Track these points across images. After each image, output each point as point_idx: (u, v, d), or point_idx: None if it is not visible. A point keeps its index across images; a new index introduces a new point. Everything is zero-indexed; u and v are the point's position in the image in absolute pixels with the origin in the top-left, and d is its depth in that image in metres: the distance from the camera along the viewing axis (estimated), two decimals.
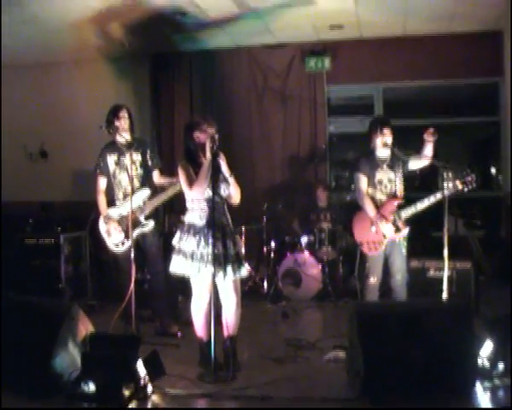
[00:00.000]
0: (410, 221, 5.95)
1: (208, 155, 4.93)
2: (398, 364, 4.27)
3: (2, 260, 7.99)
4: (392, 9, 8.10)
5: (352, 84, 9.88)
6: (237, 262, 5.09)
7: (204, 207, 5.05)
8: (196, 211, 5.08)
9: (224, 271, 4.99)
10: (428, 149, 5.84)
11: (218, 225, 5.00)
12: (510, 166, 8.81)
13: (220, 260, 4.95)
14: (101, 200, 6.47)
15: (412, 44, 9.34)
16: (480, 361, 4.43)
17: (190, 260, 5.00)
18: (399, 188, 6.03)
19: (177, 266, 5.08)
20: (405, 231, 5.92)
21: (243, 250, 5.33)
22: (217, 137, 5.02)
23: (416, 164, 6.01)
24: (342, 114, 10.08)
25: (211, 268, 4.89)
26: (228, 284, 5.09)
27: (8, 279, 7.51)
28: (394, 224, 5.89)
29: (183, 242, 5.07)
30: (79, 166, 9.64)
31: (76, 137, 9.89)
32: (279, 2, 7.74)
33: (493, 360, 4.44)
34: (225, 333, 5.17)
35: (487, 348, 4.47)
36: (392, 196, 6.01)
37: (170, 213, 8.93)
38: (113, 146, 6.44)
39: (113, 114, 6.36)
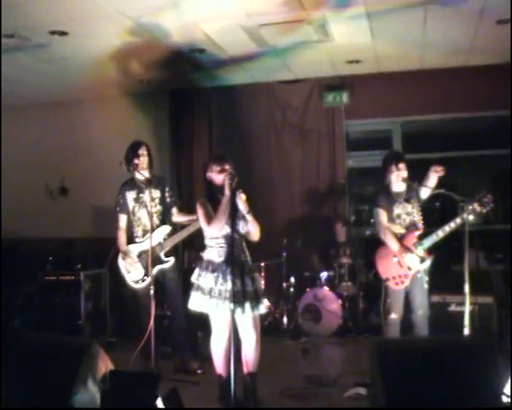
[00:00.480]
0: (430, 254, 5.92)
1: (227, 191, 4.94)
2: (421, 401, 4.21)
3: (24, 297, 8.02)
4: (409, 43, 8.13)
5: (370, 118, 9.89)
6: (256, 299, 5.07)
7: (222, 244, 5.06)
8: (215, 248, 5.08)
9: (243, 307, 4.97)
10: (433, 181, 5.89)
11: (236, 262, 5.00)
12: None
13: (238, 297, 4.94)
14: (121, 236, 6.50)
15: (430, 78, 9.35)
16: (503, 399, 4.36)
17: (208, 296, 5.00)
18: (418, 219, 6.02)
19: (196, 302, 5.09)
20: (429, 260, 5.88)
21: (262, 287, 5.31)
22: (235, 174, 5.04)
23: (423, 193, 6.02)
24: (361, 149, 10.09)
25: (229, 305, 4.87)
26: (247, 321, 5.07)
27: (29, 317, 7.53)
28: (418, 255, 5.86)
29: (201, 278, 5.08)
30: (99, 203, 9.69)
31: (96, 173, 9.96)
32: (297, 39, 7.80)
33: None
34: (245, 370, 5.14)
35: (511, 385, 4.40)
36: (413, 227, 5.99)
37: (189, 249, 8.94)
38: (132, 183, 6.48)
39: (132, 151, 6.40)
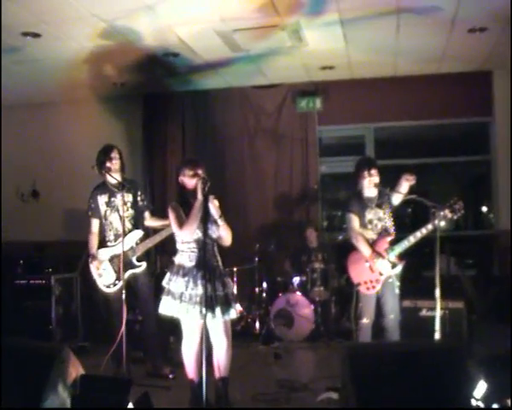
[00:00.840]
0: (402, 259, 5.95)
1: (199, 196, 4.92)
2: (392, 405, 4.23)
3: None
4: (383, 50, 8.19)
5: (343, 124, 9.95)
6: (226, 304, 5.05)
7: (193, 249, 5.04)
8: (186, 252, 5.07)
9: (213, 312, 4.95)
10: (404, 188, 5.94)
11: (207, 267, 4.97)
12: (511, 204, 8.79)
13: (209, 302, 4.92)
14: (92, 240, 6.45)
15: (403, 85, 9.43)
16: (474, 402, 4.40)
17: (179, 301, 4.99)
18: (390, 224, 6.05)
19: (167, 307, 5.07)
20: (401, 265, 5.91)
21: (234, 291, 5.30)
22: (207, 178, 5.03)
23: (395, 199, 6.06)
24: (334, 154, 10.13)
25: (199, 309, 4.86)
26: (217, 326, 5.06)
27: None
28: (389, 260, 5.88)
29: (172, 283, 5.06)
30: (71, 206, 9.62)
31: (68, 176, 9.90)
32: (271, 44, 7.82)
33: (488, 400, 4.40)
34: (217, 374, 5.12)
35: (481, 389, 4.44)
36: (384, 233, 6.02)
37: (161, 254, 8.90)
38: (103, 187, 6.43)
39: (104, 154, 6.36)
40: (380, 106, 9.58)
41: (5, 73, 8.43)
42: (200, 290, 4.90)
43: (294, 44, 7.82)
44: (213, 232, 5.07)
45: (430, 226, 5.63)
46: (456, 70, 9.11)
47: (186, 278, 4.99)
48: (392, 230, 6.03)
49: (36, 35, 7.19)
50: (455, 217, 5.66)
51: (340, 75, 9.34)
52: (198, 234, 4.99)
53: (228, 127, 9.99)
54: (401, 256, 5.93)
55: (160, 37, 7.47)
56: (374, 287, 5.96)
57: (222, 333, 5.09)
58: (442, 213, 5.55)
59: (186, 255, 5.06)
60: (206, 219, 4.91)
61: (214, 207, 5.03)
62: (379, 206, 6.02)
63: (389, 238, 5.96)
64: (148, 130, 10.19)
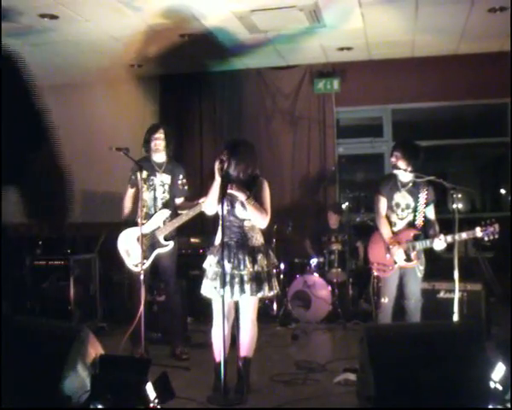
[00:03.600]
0: (419, 258, 5.90)
1: (217, 176, 4.94)
2: (409, 387, 4.23)
3: (12, 282, 7.99)
4: (401, 31, 8.14)
5: (361, 105, 9.91)
6: (255, 282, 5.04)
7: (220, 228, 5.07)
8: (218, 232, 5.10)
9: (241, 289, 4.98)
10: (437, 243, 5.70)
11: (232, 245, 5.03)
12: None
13: (234, 280, 4.96)
14: (127, 202, 6.48)
15: (421, 66, 9.37)
16: (491, 384, 4.39)
17: (209, 280, 5.04)
18: (418, 218, 5.93)
19: (203, 288, 5.12)
20: (416, 262, 5.85)
21: (267, 269, 5.19)
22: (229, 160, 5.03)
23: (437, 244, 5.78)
24: (351, 136, 10.10)
25: (224, 287, 4.90)
26: (243, 303, 5.10)
27: (17, 301, 7.51)
28: (406, 253, 5.84)
29: (206, 262, 5.13)
30: (89, 188, 9.65)
31: (86, 158, 9.91)
32: (289, 25, 7.78)
33: (505, 382, 4.39)
34: (240, 354, 5.15)
35: (499, 372, 4.43)
36: (411, 224, 5.96)
37: (179, 235, 8.93)
38: (145, 163, 6.39)
39: (149, 133, 6.38)
40: (398, 87, 9.53)
41: (23, 56, 8.44)
42: (219, 269, 4.95)
43: (312, 25, 7.78)
44: (240, 213, 5.09)
45: (457, 237, 5.50)
46: (475, 51, 9.03)
47: (211, 256, 5.06)
48: (419, 224, 5.93)
49: (53, 17, 7.21)
50: (485, 238, 5.55)
51: (358, 56, 9.30)
52: (224, 211, 5.04)
53: (245, 109, 9.98)
54: (418, 254, 5.87)
55: (177, 17, 7.45)
56: (385, 271, 5.94)
57: (247, 312, 5.13)
58: (471, 232, 5.48)
59: (218, 235, 5.11)
60: (222, 198, 4.93)
61: (239, 190, 5.04)
62: (410, 192, 5.93)
63: (414, 232, 5.89)
64: (166, 111, 10.21)
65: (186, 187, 6.54)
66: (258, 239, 5.18)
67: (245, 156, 5.18)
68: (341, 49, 8.93)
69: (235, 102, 10.01)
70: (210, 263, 5.11)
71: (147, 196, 6.34)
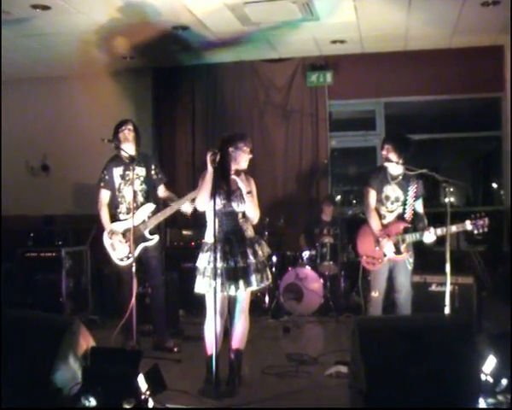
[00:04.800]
0: (408, 250, 5.90)
1: (209, 168, 4.93)
2: (401, 379, 4.24)
3: (3, 273, 7.97)
4: (394, 24, 8.13)
5: (353, 98, 9.90)
6: (247, 276, 5.05)
7: (210, 223, 5.05)
8: (208, 228, 5.09)
9: (236, 284, 4.99)
10: (427, 236, 5.74)
11: (231, 239, 5.04)
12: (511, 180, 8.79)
13: (231, 274, 4.96)
14: (105, 213, 6.43)
15: (414, 59, 9.37)
16: (482, 377, 4.41)
17: (202, 276, 5.03)
18: (408, 211, 5.93)
19: (196, 284, 5.11)
20: (405, 255, 5.86)
21: (261, 260, 5.20)
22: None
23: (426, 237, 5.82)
24: (344, 129, 10.10)
25: (220, 282, 4.92)
26: (241, 296, 5.13)
27: (8, 293, 7.49)
28: (396, 245, 5.85)
29: (198, 260, 5.10)
30: (81, 180, 9.65)
31: (78, 150, 9.90)
32: (282, 17, 7.76)
33: (496, 376, 4.40)
34: (232, 345, 5.15)
35: (490, 364, 4.44)
36: (400, 217, 5.97)
37: (171, 227, 8.93)
38: (118, 160, 6.40)
39: (119, 128, 6.35)
40: (390, 81, 9.53)
41: (14, 46, 8.42)
42: (218, 264, 4.94)
43: (305, 18, 7.76)
44: (237, 205, 5.08)
45: (445, 230, 5.53)
46: (468, 44, 9.03)
47: (208, 253, 5.01)
48: (409, 217, 5.93)
49: (45, 7, 7.17)
50: (474, 231, 5.59)
51: (351, 49, 9.29)
52: (218, 205, 5.01)
53: (238, 101, 9.96)
54: (408, 247, 5.88)
55: (170, 9, 7.43)
56: (374, 264, 5.96)
57: (243, 304, 5.17)
58: (461, 224, 5.51)
59: (208, 230, 5.09)
60: (214, 191, 4.93)
61: (244, 182, 5.05)
62: (400, 185, 5.93)
63: (403, 225, 5.89)
64: (158, 104, 10.18)
65: (160, 175, 6.57)
66: (252, 231, 5.22)
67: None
68: (334, 42, 8.92)
69: (228, 94, 9.98)
70: (208, 260, 5.05)
71: (125, 191, 6.34)
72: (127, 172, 6.34)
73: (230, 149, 5.14)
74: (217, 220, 5.02)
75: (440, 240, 5.64)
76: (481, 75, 9.20)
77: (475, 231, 5.57)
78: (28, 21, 7.57)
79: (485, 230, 5.55)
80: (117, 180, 6.38)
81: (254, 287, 5.11)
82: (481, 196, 11.28)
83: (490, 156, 10.42)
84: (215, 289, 4.84)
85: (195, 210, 5.47)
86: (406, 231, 5.87)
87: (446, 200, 5.46)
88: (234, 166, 5.14)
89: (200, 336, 5.33)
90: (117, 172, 6.38)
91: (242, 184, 5.07)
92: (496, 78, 9.19)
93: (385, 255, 5.87)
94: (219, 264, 4.96)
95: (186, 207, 6.18)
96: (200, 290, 5.09)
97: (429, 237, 5.69)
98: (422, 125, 9.79)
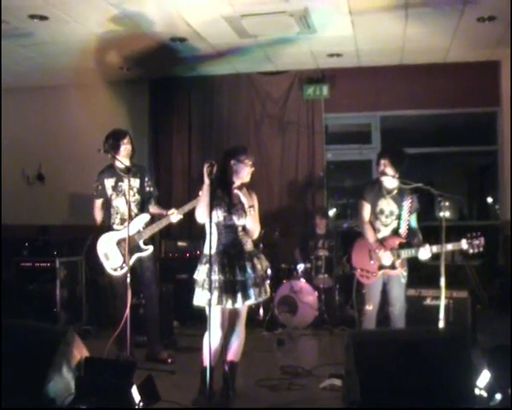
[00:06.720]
0: (403, 266, 5.91)
1: (206, 180, 4.91)
2: (395, 393, 4.24)
3: None
4: (391, 38, 8.17)
5: (349, 112, 9.93)
6: (257, 286, 5.05)
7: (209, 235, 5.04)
8: (207, 240, 5.06)
9: (234, 298, 4.96)
10: (422, 252, 5.75)
11: (231, 252, 5.03)
12: (511, 194, 8.80)
13: (229, 288, 4.94)
14: (99, 215, 6.47)
15: (410, 74, 9.41)
16: (477, 391, 4.40)
17: (201, 289, 5.00)
18: (403, 226, 5.93)
19: (195, 297, 5.08)
20: (400, 270, 5.88)
21: (259, 274, 5.18)
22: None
23: (422, 253, 5.81)
24: (340, 142, 10.12)
25: (218, 295, 4.91)
26: (241, 309, 5.12)
27: (3, 303, 7.47)
28: (392, 257, 5.85)
29: (197, 272, 5.07)
30: (77, 190, 9.64)
31: (73, 160, 9.90)
32: (279, 31, 7.79)
33: (490, 389, 4.40)
34: (227, 357, 5.12)
35: (484, 378, 4.44)
36: (395, 232, 5.98)
37: (166, 238, 8.92)
38: (111, 170, 6.41)
39: (115, 138, 6.34)
40: (386, 94, 9.57)
41: (11, 56, 8.44)
42: (217, 276, 4.93)
43: (302, 31, 7.79)
44: (237, 219, 5.07)
45: (436, 248, 5.56)
46: (464, 59, 9.09)
47: (207, 265, 4.96)
48: (404, 232, 5.94)
49: (43, 18, 7.18)
50: (470, 251, 5.58)
51: (348, 63, 9.32)
52: (218, 218, 5.01)
53: (234, 113, 9.98)
54: (403, 262, 5.89)
55: (168, 21, 7.45)
56: (368, 278, 5.96)
57: (242, 317, 5.16)
58: (457, 243, 5.52)
59: (206, 242, 5.07)
60: (213, 203, 4.91)
61: (246, 196, 5.05)
62: (394, 199, 5.94)
63: (399, 240, 5.89)
64: (154, 115, 10.19)
65: (152, 188, 6.59)
66: (251, 245, 5.20)
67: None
68: (331, 55, 8.95)
69: (225, 106, 10.00)
70: (201, 272, 5.02)
71: (117, 202, 6.35)
72: (119, 184, 6.34)
73: (232, 162, 5.14)
74: (216, 233, 5.03)
75: (436, 255, 5.64)
76: (477, 90, 9.26)
77: (471, 251, 5.56)
78: (26, 31, 7.58)
79: (481, 249, 5.54)
80: (108, 191, 6.38)
81: (253, 301, 5.08)
82: (476, 210, 11.31)
83: (485, 171, 10.45)
84: (210, 301, 4.81)
85: (191, 222, 5.46)
86: (401, 246, 5.87)
87: (441, 214, 5.46)
88: (236, 179, 5.13)
89: (194, 348, 5.32)
90: (108, 183, 6.38)
91: (245, 198, 5.06)
92: (491, 92, 9.24)
93: (381, 268, 5.87)
94: (218, 277, 4.95)
95: (175, 218, 6.19)
96: (200, 303, 5.04)
97: (424, 253, 5.70)
98: (418, 139, 9.82)
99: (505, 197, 9.18)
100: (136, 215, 6.30)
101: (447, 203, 5.48)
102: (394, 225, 5.95)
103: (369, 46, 8.52)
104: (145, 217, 6.35)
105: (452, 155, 10.31)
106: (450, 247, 5.54)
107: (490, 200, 10.47)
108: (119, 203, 6.35)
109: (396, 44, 8.44)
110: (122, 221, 6.30)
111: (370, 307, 5.96)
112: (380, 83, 9.54)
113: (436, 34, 7.97)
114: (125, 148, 6.33)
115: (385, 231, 5.97)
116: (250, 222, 5.10)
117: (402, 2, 6.85)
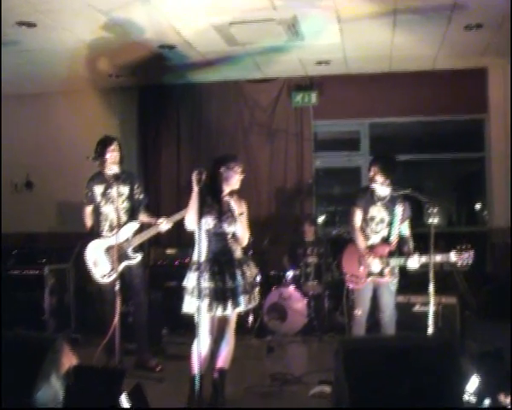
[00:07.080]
0: (392, 274, 5.92)
1: (195, 187, 4.92)
2: (384, 399, 4.24)
3: None
4: (379, 46, 8.20)
5: (338, 119, 9.95)
6: (247, 293, 5.06)
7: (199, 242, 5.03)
8: (197, 247, 5.05)
9: (224, 305, 4.96)
10: (411, 261, 5.79)
11: (220, 260, 5.04)
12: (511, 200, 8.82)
13: (219, 295, 4.94)
14: (88, 220, 6.47)
15: (398, 81, 9.45)
16: (466, 397, 4.41)
17: (190, 296, 4.99)
18: (393, 234, 5.95)
19: (184, 304, 5.08)
20: (389, 279, 5.89)
21: (250, 281, 5.19)
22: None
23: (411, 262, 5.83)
24: (328, 149, 10.14)
25: (208, 303, 4.92)
26: (231, 316, 5.13)
27: None
28: (381, 264, 5.86)
29: (187, 279, 5.07)
30: (65, 198, 9.62)
31: (62, 168, 9.87)
32: (267, 38, 7.80)
33: (479, 395, 4.41)
34: (216, 365, 5.12)
35: (473, 384, 4.45)
36: (385, 239, 5.99)
37: (155, 246, 8.89)
38: (100, 177, 6.40)
39: (104, 146, 6.33)
40: (375, 101, 9.59)
41: None
42: (206, 284, 4.94)
43: (291, 39, 7.81)
44: (227, 226, 5.07)
45: (425, 259, 5.60)
46: (452, 67, 9.14)
47: (197, 273, 4.96)
48: (394, 241, 5.96)
49: (31, 25, 7.16)
50: (458, 264, 5.60)
51: (336, 70, 9.34)
52: (208, 225, 5.01)
53: (223, 121, 9.98)
54: (392, 270, 5.90)
55: (156, 29, 7.45)
56: (357, 283, 5.98)
57: (232, 324, 5.18)
58: (446, 255, 5.54)
59: (195, 250, 5.06)
60: (201, 210, 4.91)
61: (236, 203, 5.07)
62: (385, 207, 5.95)
63: (389, 249, 5.90)
64: (143, 122, 10.17)
65: (142, 196, 6.58)
66: (240, 251, 5.20)
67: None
68: (319, 62, 8.97)
69: (213, 114, 10.00)
70: (190, 279, 5.03)
71: (106, 209, 6.34)
72: (108, 191, 6.34)
73: (222, 169, 5.15)
74: (206, 240, 5.03)
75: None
76: (465, 97, 9.31)
77: (459, 263, 5.58)
78: (13, 38, 7.55)
79: (470, 262, 5.56)
80: (98, 198, 6.38)
81: (242, 308, 5.09)
82: (465, 216, 11.33)
83: (473, 177, 10.49)
84: (199, 308, 4.80)
85: (180, 229, 5.45)
86: (391, 254, 5.88)
87: (430, 221, 5.48)
88: (226, 187, 5.14)
89: (183, 355, 5.31)
90: (98, 190, 6.38)
91: (235, 205, 5.07)
92: (479, 99, 9.30)
93: (370, 274, 5.88)
94: (207, 284, 4.95)
95: (164, 227, 6.18)
96: (189, 310, 5.04)
97: (413, 263, 5.72)
98: (406, 146, 9.86)
99: (493, 204, 9.22)
100: (126, 223, 6.29)
101: (435, 210, 5.50)
102: (385, 232, 5.97)
103: (357, 53, 8.54)
104: (134, 225, 6.34)
105: (440, 162, 10.33)
106: (439, 258, 5.56)
107: (478, 206, 10.50)
108: (107, 210, 6.34)
109: (384, 52, 8.47)
110: (111, 228, 6.29)
111: (359, 313, 5.97)
112: (368, 90, 9.56)
113: (424, 42, 8.01)
114: (112, 155, 6.32)
115: (375, 238, 5.99)
116: (240, 229, 5.10)
117: (390, 9, 6.88)
